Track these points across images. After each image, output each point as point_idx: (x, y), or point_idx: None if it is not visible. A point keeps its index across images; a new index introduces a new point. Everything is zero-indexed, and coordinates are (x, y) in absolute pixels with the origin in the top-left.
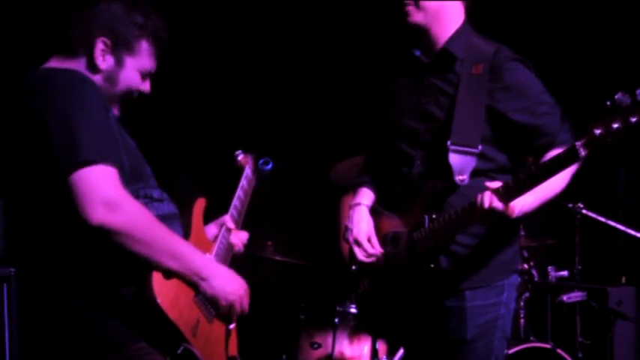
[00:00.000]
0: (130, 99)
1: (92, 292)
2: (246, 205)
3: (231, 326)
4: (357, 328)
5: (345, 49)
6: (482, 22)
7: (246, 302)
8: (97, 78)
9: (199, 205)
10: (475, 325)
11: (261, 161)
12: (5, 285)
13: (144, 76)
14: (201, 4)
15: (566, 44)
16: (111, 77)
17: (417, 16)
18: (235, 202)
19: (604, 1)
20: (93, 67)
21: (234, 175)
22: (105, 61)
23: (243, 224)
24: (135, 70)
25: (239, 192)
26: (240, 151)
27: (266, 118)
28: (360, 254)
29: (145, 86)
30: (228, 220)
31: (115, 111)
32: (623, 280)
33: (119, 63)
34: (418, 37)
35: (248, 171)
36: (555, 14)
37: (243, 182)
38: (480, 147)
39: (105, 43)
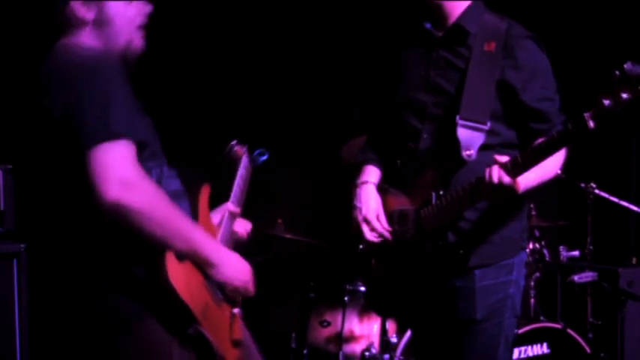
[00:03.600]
0: (128, 61)
1: (103, 268)
2: (244, 193)
3: (235, 310)
4: (366, 307)
5: (352, 21)
6: None
7: (251, 287)
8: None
9: (205, 192)
10: (485, 305)
11: (256, 152)
12: (15, 260)
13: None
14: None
15: (561, 26)
16: (105, 29)
17: None
18: (235, 189)
19: None
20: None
21: (229, 165)
22: (90, 12)
23: (250, 208)
24: (127, 16)
25: (238, 180)
26: (235, 142)
27: (278, 94)
28: (369, 233)
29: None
30: (231, 206)
31: None
32: (634, 261)
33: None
34: (429, 12)
35: (245, 160)
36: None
37: (241, 171)
38: (488, 124)
39: None
